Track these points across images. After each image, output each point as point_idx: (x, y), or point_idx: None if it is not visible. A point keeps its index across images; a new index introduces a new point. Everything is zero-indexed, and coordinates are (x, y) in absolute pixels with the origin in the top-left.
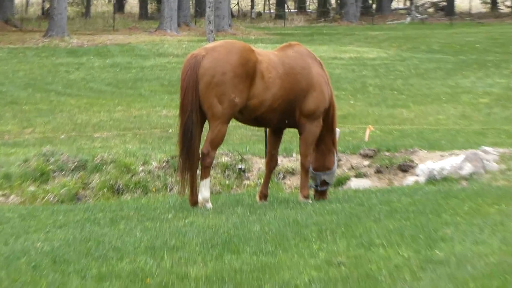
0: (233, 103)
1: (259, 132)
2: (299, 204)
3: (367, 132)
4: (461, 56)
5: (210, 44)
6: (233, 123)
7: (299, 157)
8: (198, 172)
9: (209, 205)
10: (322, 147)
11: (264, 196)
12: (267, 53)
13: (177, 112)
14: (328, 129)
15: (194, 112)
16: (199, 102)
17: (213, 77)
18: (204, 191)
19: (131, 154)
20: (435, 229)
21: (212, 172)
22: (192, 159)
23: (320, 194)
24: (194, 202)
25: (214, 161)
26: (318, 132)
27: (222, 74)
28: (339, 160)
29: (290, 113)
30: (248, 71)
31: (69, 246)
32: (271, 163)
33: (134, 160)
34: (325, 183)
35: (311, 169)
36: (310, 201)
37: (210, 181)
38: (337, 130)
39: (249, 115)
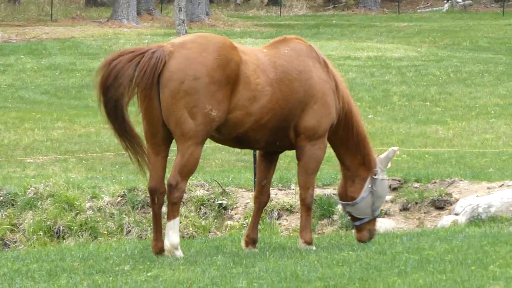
0: (209, 118)
1: (246, 156)
2: (299, 252)
3: None
4: None
5: (179, 39)
6: (211, 144)
7: (298, 189)
8: (164, 210)
9: (179, 253)
10: (345, 171)
11: (252, 241)
12: (254, 51)
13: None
14: (349, 148)
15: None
16: (162, 116)
17: (181, 83)
18: (172, 236)
19: (75, 186)
20: (480, 286)
21: (183, 209)
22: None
23: (357, 230)
24: (158, 249)
25: (185, 195)
26: (322, 156)
27: (194, 79)
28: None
29: (283, 132)
30: (229, 75)
31: None
32: (261, 198)
33: (79, 194)
34: (355, 217)
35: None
36: (314, 247)
37: (180, 222)
38: (394, 149)
39: (228, 134)
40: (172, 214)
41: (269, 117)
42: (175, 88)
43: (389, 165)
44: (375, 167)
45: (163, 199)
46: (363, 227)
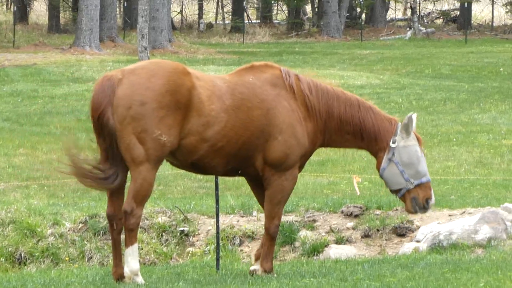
0: (159, 143)
1: (208, 183)
2: (260, 279)
3: (355, 183)
4: (479, 84)
5: (131, 66)
6: (173, 170)
7: (263, 217)
8: (123, 237)
9: (140, 279)
10: (370, 153)
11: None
12: (211, 78)
13: None
14: (351, 141)
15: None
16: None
17: (128, 109)
18: (131, 262)
19: (36, 213)
20: None
21: (144, 236)
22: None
23: (404, 202)
24: (118, 275)
25: (146, 222)
26: (291, 187)
27: (141, 104)
28: (314, 220)
29: (246, 161)
30: (179, 100)
31: None
32: None
33: (40, 220)
34: (394, 190)
35: None
36: (275, 275)
37: (142, 248)
38: (411, 114)
39: (184, 159)
40: (129, 241)
41: (224, 144)
42: (122, 114)
43: (412, 129)
44: (394, 136)
45: (121, 225)
46: (405, 197)
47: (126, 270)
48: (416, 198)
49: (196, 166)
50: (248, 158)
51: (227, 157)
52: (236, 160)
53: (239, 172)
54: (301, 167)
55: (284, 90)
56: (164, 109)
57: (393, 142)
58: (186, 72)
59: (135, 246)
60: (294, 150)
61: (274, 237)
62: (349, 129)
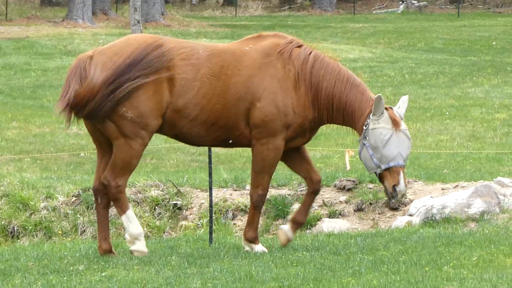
0: (126, 120)
1: (201, 157)
2: (253, 252)
3: (347, 158)
4: (472, 57)
5: (107, 44)
6: (166, 143)
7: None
8: (112, 212)
9: (141, 246)
10: None
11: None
12: (193, 47)
13: None
14: (341, 120)
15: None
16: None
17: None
18: (130, 227)
19: (29, 186)
20: (434, 287)
21: (137, 209)
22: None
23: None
24: (103, 250)
25: (139, 196)
26: (272, 157)
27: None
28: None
29: (229, 131)
30: None
31: None
32: (313, 186)
33: (33, 194)
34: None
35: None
36: (257, 246)
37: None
38: (379, 95)
39: (167, 131)
40: (120, 210)
41: (197, 113)
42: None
43: (381, 110)
44: (368, 117)
45: (107, 199)
46: (382, 183)
47: (127, 237)
48: (387, 187)
49: (180, 137)
50: (232, 127)
51: (205, 126)
52: (219, 130)
53: (230, 142)
54: (295, 141)
55: (277, 59)
56: None
57: (365, 125)
58: (155, 45)
59: (129, 212)
60: (273, 118)
61: (257, 205)
62: (336, 105)
